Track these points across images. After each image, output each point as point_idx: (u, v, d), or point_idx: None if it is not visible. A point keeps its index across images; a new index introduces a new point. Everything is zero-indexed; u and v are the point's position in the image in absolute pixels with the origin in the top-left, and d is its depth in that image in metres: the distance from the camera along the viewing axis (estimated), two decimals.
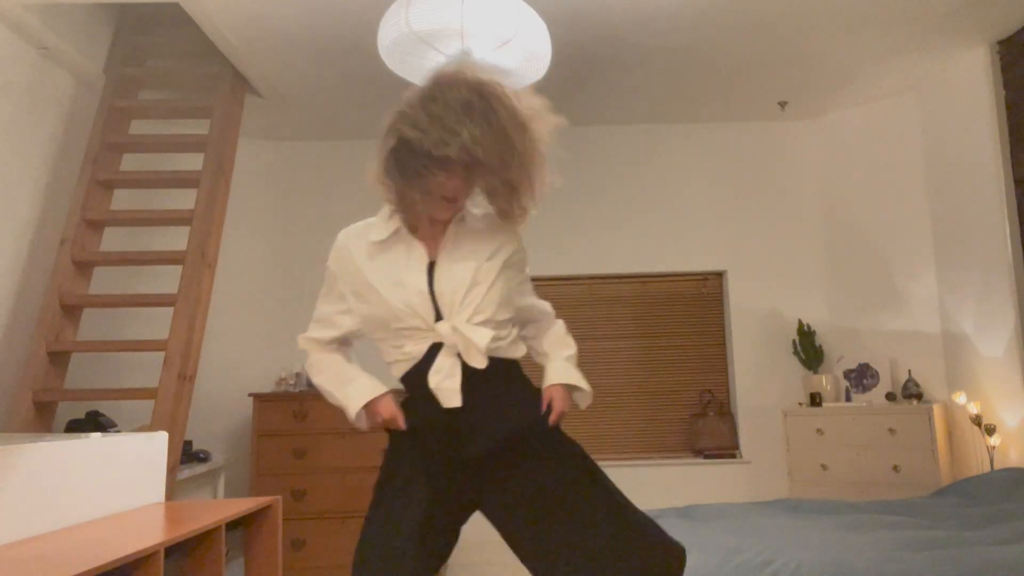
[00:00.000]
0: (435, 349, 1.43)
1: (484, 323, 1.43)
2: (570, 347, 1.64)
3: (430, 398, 1.43)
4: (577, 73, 3.99)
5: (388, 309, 1.44)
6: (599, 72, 4.00)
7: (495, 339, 1.43)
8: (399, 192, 1.40)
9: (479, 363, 1.41)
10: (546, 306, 1.67)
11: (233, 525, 2.39)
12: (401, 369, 1.48)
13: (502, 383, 1.47)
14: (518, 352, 1.53)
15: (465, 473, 1.46)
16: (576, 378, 1.57)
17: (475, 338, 1.39)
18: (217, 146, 3.62)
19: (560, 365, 1.59)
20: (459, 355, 1.42)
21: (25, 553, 1.73)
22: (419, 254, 1.47)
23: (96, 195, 3.50)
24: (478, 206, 1.53)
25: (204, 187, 3.50)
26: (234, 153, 3.85)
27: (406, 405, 1.50)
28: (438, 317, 1.43)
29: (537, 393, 1.53)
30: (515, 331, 1.54)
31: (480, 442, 1.42)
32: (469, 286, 1.43)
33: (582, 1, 3.26)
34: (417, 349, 1.44)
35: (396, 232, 1.49)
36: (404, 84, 3.05)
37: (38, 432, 3.01)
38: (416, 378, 1.45)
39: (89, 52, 3.61)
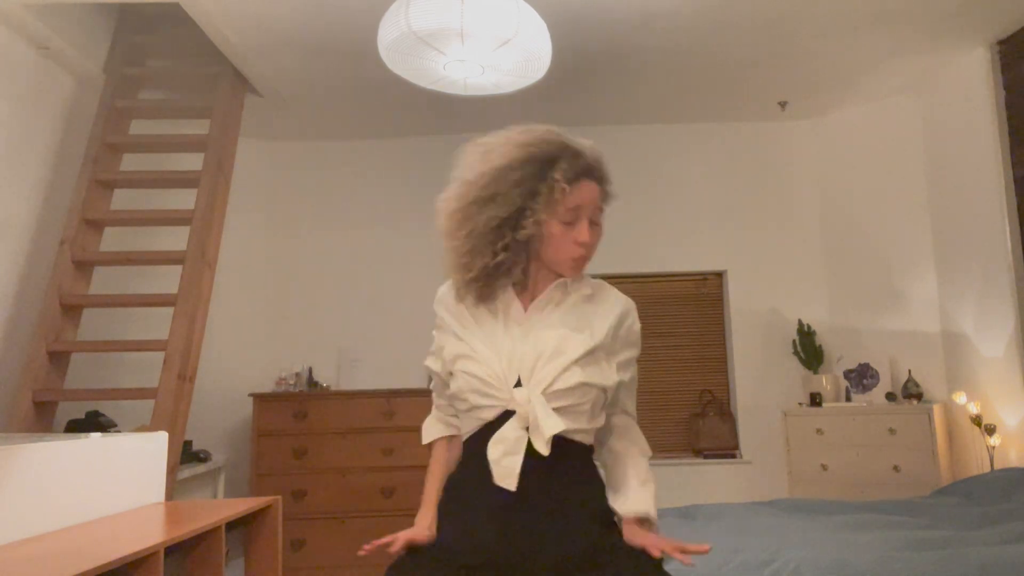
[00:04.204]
0: (506, 417, 1.28)
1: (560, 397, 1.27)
2: (651, 480, 1.39)
3: (486, 477, 1.27)
4: (577, 73, 3.99)
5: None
6: (599, 72, 4.00)
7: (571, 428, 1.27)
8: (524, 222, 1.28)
9: (543, 449, 1.24)
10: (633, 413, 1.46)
11: (233, 525, 2.39)
12: (471, 428, 1.35)
13: (570, 475, 1.30)
14: (591, 436, 1.35)
15: None
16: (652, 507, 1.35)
17: (544, 424, 1.23)
18: (217, 146, 3.62)
19: (642, 492, 1.36)
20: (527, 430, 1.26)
21: (25, 553, 1.73)
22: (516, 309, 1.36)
23: (96, 195, 3.50)
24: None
25: (204, 187, 3.50)
26: (234, 153, 3.85)
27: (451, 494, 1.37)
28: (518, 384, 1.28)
29: (603, 494, 1.36)
30: (597, 418, 1.35)
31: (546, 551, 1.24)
32: (552, 354, 1.27)
33: (582, 1, 3.26)
34: (489, 414, 1.30)
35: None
36: (404, 84, 3.08)
37: (38, 432, 3.01)
38: (479, 441, 1.30)
39: (89, 52, 3.61)
